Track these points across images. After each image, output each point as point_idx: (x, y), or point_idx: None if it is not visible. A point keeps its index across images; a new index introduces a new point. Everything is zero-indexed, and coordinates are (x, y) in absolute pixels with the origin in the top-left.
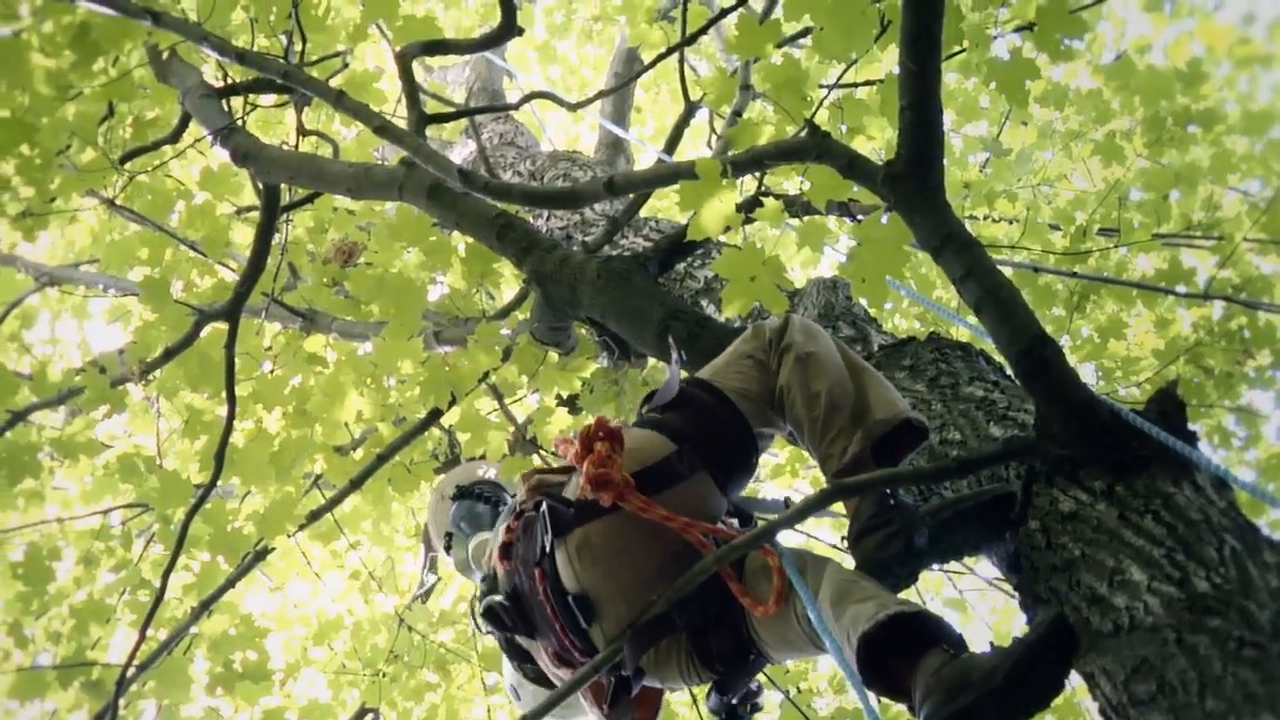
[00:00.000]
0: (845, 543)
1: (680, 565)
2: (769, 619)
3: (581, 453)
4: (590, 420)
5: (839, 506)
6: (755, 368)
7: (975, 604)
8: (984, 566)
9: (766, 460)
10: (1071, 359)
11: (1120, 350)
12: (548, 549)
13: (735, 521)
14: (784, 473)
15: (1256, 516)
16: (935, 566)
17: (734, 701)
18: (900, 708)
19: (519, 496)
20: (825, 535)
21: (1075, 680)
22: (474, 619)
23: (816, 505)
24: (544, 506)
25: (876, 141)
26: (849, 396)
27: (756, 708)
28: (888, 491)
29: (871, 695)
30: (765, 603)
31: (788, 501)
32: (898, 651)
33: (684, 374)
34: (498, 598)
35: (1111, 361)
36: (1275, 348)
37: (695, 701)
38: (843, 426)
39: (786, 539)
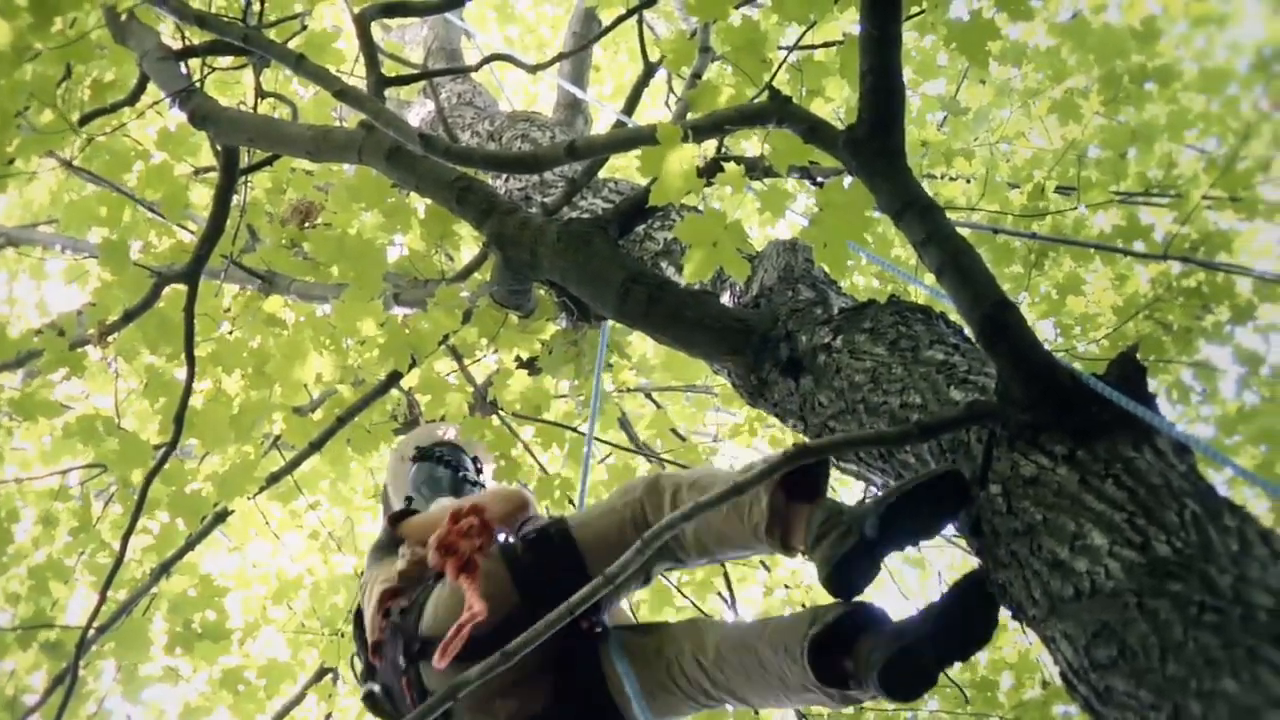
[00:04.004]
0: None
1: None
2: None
3: (449, 525)
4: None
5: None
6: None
7: (933, 560)
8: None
9: (724, 420)
10: (1030, 316)
11: (1079, 307)
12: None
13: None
14: (742, 432)
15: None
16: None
17: None
18: None
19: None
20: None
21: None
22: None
23: (777, 467)
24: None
25: (835, 103)
26: (720, 478)
27: None
28: (836, 503)
29: None
30: None
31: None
32: (839, 648)
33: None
34: (375, 687)
35: (1070, 318)
36: (1233, 303)
37: None
38: (741, 501)
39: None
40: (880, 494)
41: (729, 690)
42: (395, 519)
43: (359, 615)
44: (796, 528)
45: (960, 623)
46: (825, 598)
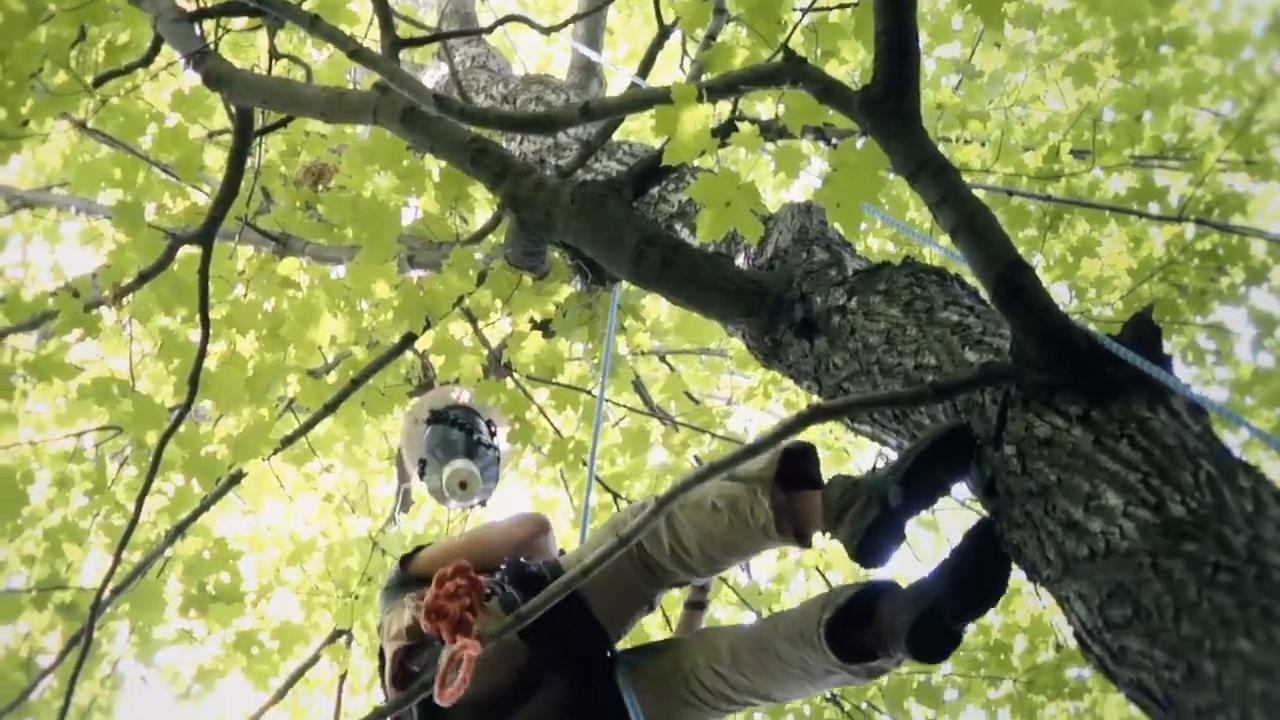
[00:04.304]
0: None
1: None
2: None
3: (435, 589)
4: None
5: None
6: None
7: (946, 524)
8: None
9: (738, 383)
10: (1044, 279)
11: (1093, 270)
12: None
13: None
14: (756, 395)
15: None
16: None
17: None
18: None
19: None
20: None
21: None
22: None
23: (793, 428)
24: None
25: (850, 65)
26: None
27: None
28: (849, 476)
29: None
30: None
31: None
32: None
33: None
34: None
35: (1084, 281)
36: (1248, 265)
37: None
38: (741, 507)
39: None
40: (894, 460)
41: (751, 691)
42: (405, 559)
43: (382, 654)
44: (809, 515)
45: (975, 576)
46: (840, 558)
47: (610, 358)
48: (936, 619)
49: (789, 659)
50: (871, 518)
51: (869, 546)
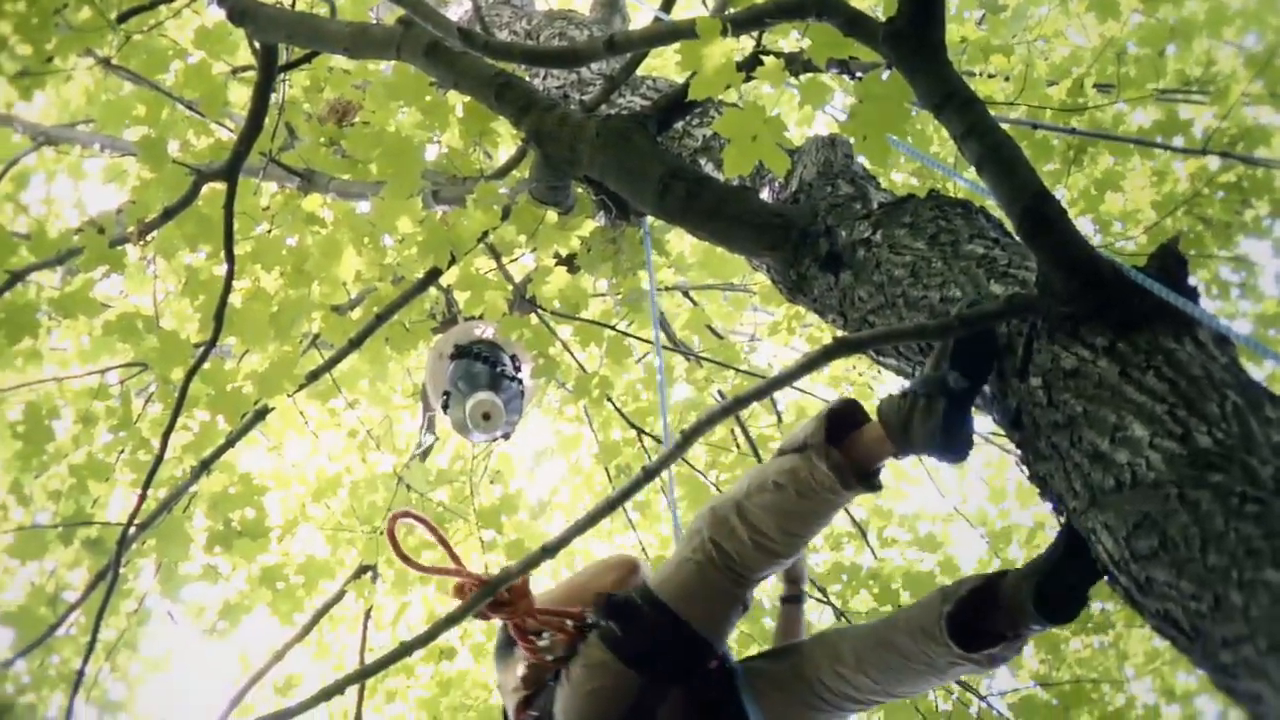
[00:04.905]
0: (898, 455)
1: None
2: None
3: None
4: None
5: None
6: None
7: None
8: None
9: (762, 319)
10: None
11: (1117, 205)
12: None
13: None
14: (780, 330)
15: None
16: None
17: None
18: None
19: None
20: (820, 390)
21: None
22: None
23: (818, 361)
24: None
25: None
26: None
27: None
28: (894, 395)
29: None
30: None
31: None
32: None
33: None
34: None
35: (1109, 215)
36: (1272, 197)
37: None
38: (802, 476)
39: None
40: (932, 358)
41: (875, 689)
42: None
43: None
44: (870, 452)
45: (1078, 552)
46: None
47: (639, 295)
48: (1059, 580)
49: (912, 655)
50: (941, 408)
51: (951, 437)
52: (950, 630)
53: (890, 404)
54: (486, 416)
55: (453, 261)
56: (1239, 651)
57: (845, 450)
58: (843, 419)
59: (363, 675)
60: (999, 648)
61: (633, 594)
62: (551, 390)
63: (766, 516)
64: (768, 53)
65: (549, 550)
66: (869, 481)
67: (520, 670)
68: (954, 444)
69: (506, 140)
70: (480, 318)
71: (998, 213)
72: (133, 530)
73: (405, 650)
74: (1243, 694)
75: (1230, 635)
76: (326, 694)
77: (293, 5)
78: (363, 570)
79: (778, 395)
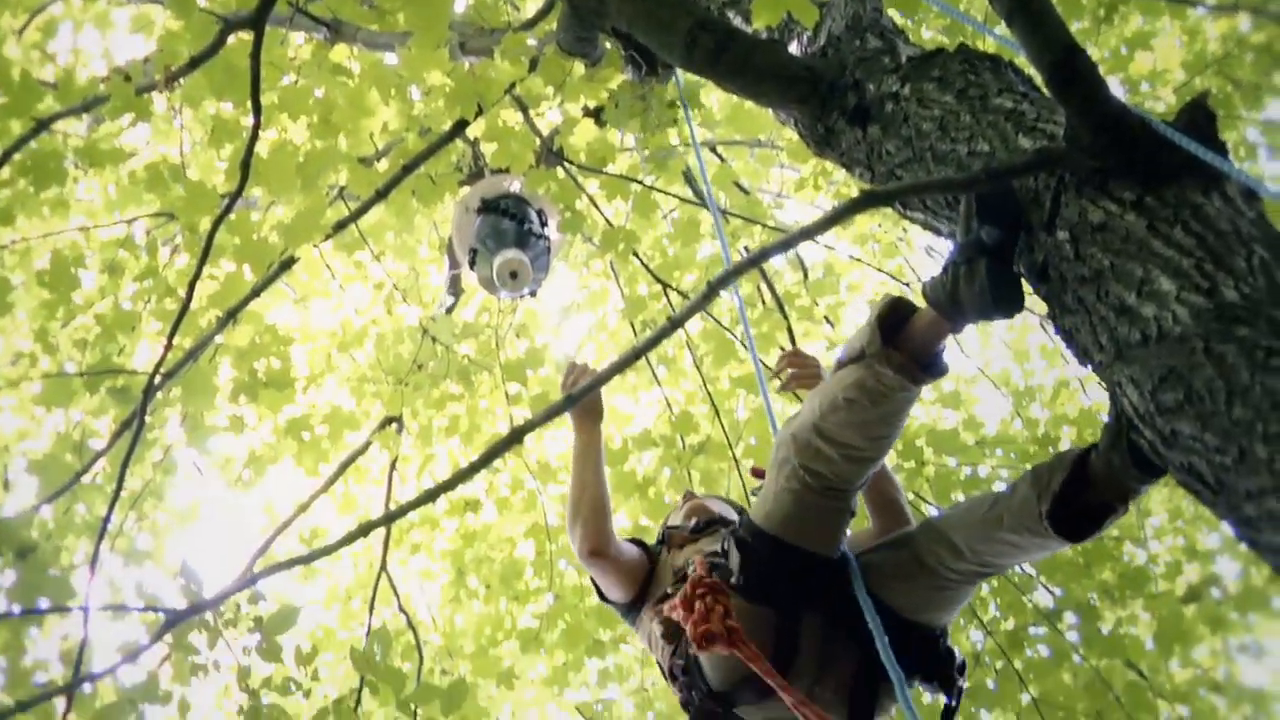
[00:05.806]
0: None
1: None
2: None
3: (685, 614)
4: (694, 569)
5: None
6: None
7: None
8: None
9: (788, 177)
10: None
11: (1145, 66)
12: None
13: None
14: (806, 186)
15: None
16: None
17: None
18: None
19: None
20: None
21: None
22: None
23: (847, 212)
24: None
25: None
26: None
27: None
28: (933, 277)
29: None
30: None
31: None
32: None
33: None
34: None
35: (1138, 75)
36: None
37: None
38: (869, 384)
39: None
40: (960, 223)
41: (992, 568)
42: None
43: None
44: (928, 340)
45: None
46: None
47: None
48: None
49: (1021, 544)
50: (984, 267)
51: (1001, 291)
52: (1054, 527)
53: (934, 284)
54: (514, 275)
55: (479, 113)
56: (1263, 504)
57: (903, 347)
58: (892, 318)
59: (389, 518)
60: (1108, 520)
61: (741, 533)
62: (577, 245)
63: (848, 431)
64: None
65: (572, 399)
66: (934, 369)
67: (656, 630)
68: (1005, 298)
69: None
70: (507, 171)
71: (1027, 69)
72: (158, 379)
73: (433, 495)
74: (1266, 546)
75: (1254, 488)
76: (353, 536)
77: None
78: (388, 421)
79: (805, 254)
